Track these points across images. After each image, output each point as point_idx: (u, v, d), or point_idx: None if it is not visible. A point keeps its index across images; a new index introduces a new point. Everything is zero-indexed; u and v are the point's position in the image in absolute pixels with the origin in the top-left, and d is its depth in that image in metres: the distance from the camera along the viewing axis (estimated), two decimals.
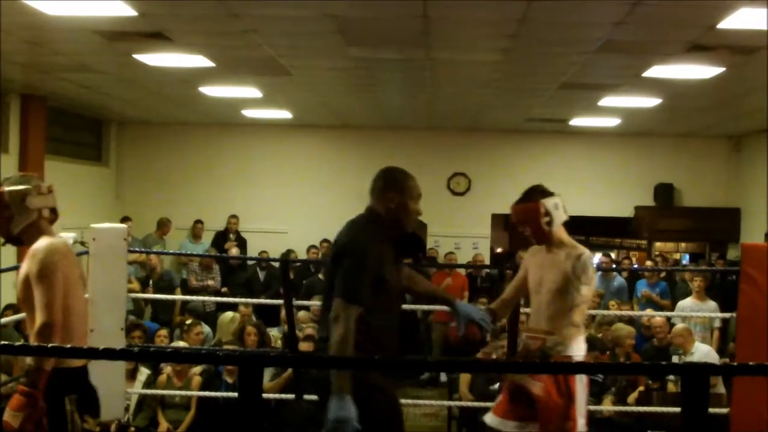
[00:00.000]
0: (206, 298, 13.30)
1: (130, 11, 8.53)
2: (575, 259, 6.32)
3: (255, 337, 10.80)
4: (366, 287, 5.29)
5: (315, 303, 11.44)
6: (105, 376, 7.61)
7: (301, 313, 11.74)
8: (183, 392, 9.84)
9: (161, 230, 17.21)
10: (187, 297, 13.73)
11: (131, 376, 9.74)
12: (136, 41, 10.04)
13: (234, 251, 16.59)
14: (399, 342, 5.55)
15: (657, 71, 10.99)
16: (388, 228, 5.60)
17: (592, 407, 9.29)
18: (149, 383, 9.99)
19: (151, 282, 14.95)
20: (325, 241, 17.40)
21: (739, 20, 8.33)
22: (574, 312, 6.24)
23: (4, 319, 9.73)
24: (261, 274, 16.09)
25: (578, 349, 6.28)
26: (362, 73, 11.99)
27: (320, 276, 14.31)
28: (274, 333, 11.91)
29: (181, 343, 11.09)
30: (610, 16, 8.51)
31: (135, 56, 10.89)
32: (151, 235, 17.13)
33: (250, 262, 16.71)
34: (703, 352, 10.13)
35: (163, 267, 16.22)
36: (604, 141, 18.44)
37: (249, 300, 11.95)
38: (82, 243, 7.84)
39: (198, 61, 11.08)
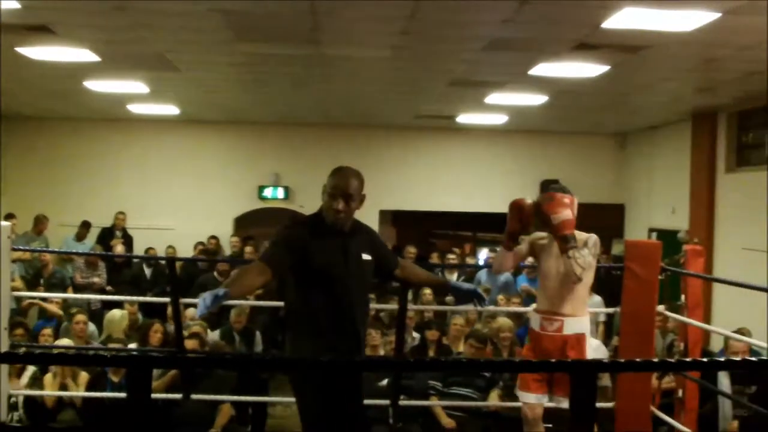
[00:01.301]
0: (94, 296, 13.14)
1: (13, 3, 8.39)
2: (587, 237, 6.91)
3: (161, 336, 10.67)
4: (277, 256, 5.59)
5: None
6: None
7: (190, 311, 11.64)
8: (69, 393, 9.68)
9: (38, 227, 16.91)
10: (74, 295, 13.54)
11: (18, 374, 9.58)
12: (20, 34, 9.87)
13: (119, 248, 16.40)
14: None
15: (543, 69, 11.13)
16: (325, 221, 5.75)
17: (481, 403, 9.44)
18: (36, 379, 9.82)
19: (42, 280, 14.72)
20: (213, 237, 17.31)
21: (623, 20, 8.49)
22: (586, 296, 7.01)
23: None
24: (148, 272, 15.92)
25: (588, 326, 7.09)
26: (252, 68, 11.95)
27: (215, 274, 14.21)
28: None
29: (66, 341, 10.91)
30: (498, 14, 8.59)
31: (18, 49, 10.70)
32: (27, 232, 16.82)
33: (135, 260, 16.53)
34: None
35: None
36: (491, 138, 18.62)
37: (136, 298, 11.84)
38: None
39: (83, 55, 10.93)
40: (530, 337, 7.35)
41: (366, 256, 5.78)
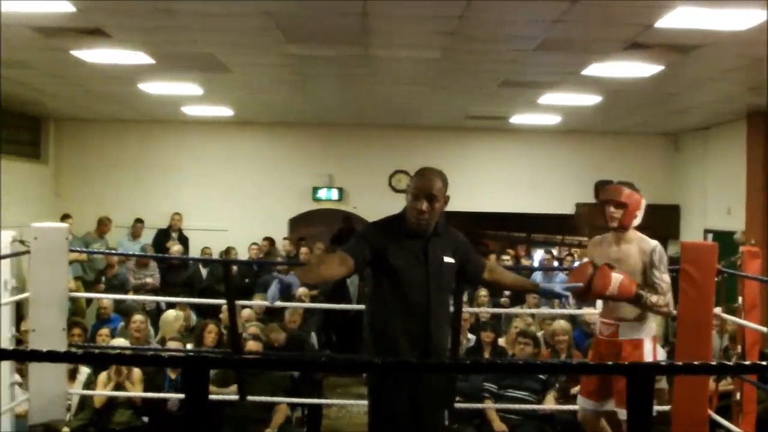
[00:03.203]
0: (151, 298, 13.22)
1: (68, 7, 8.46)
2: (651, 251, 6.81)
3: (216, 336, 10.73)
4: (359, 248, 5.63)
5: (260, 303, 11.44)
6: (46, 377, 7.56)
7: (245, 312, 11.70)
8: (126, 393, 9.74)
9: (100, 229, 17.06)
10: (128, 296, 13.63)
11: (71, 376, 9.65)
12: (74, 38, 9.95)
13: (175, 249, 16.50)
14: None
15: (596, 69, 11.06)
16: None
17: (536, 405, 9.39)
18: (89, 383, 9.90)
19: (104, 279, 14.86)
20: (266, 238, 17.35)
21: (676, 19, 8.42)
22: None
23: None
24: (204, 271, 16.02)
25: (650, 331, 6.95)
26: (303, 70, 11.97)
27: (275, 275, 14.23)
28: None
29: (121, 340, 10.98)
30: (548, 14, 8.56)
31: (73, 53, 10.79)
32: (90, 233, 16.98)
33: (191, 261, 16.64)
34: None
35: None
36: (544, 138, 18.55)
37: (192, 299, 11.90)
38: (22, 242, 7.75)
39: (137, 57, 11.00)
40: (593, 341, 7.33)
41: (448, 259, 5.75)
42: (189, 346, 10.63)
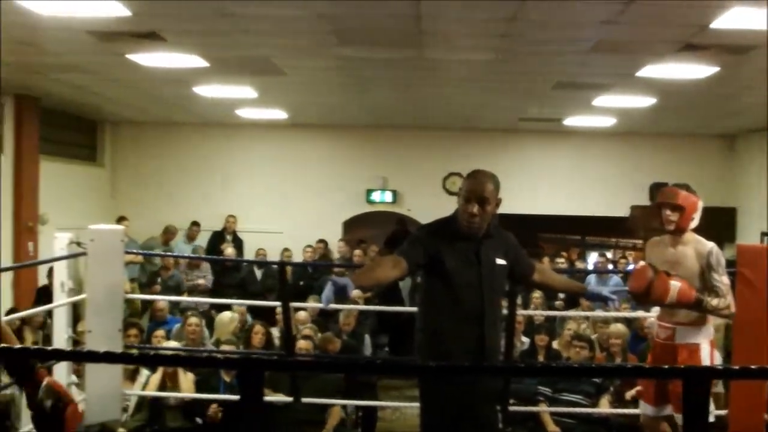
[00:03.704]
0: (205, 299, 13.29)
1: (123, 11, 8.52)
2: (708, 253, 6.78)
3: (263, 337, 10.77)
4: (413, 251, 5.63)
5: (314, 305, 11.47)
6: (102, 377, 7.63)
7: (300, 314, 11.73)
8: (181, 394, 9.80)
9: (166, 236, 17.17)
10: (183, 298, 13.73)
11: (131, 377, 9.72)
12: (130, 41, 10.03)
13: (229, 251, 16.57)
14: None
15: (650, 71, 11.00)
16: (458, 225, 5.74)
17: (591, 409, 9.34)
18: (148, 383, 9.96)
19: (159, 281, 14.98)
20: (321, 241, 17.38)
21: (731, 20, 8.34)
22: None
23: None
24: (258, 273, 16.09)
25: (708, 335, 6.91)
26: (355, 72, 11.99)
27: (330, 277, 14.24)
28: (273, 333, 11.88)
29: (173, 343, 11.05)
30: (602, 16, 8.52)
31: (128, 56, 10.87)
32: (154, 238, 17.11)
33: (244, 263, 16.73)
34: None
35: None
36: (599, 140, 18.45)
37: (246, 301, 11.95)
38: (79, 244, 7.82)
39: (192, 61, 11.07)
40: (651, 345, 7.28)
41: (500, 261, 5.74)
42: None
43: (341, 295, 5.21)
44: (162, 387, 9.89)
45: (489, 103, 14.65)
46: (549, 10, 8.41)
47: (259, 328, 10.86)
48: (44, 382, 4.46)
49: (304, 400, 8.41)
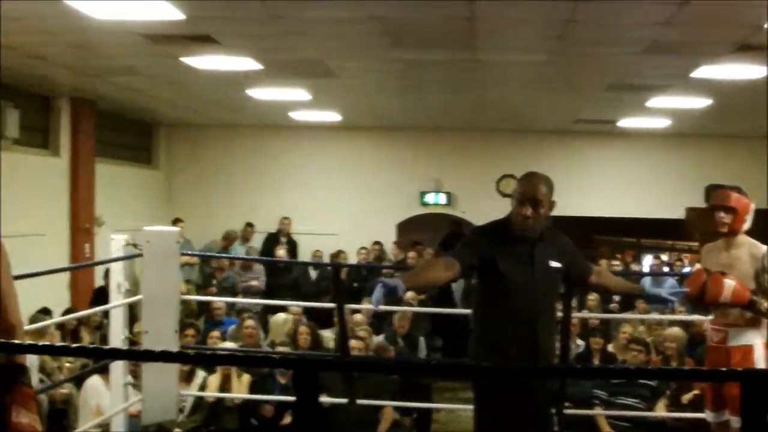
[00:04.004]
0: (260, 301, 13.34)
1: (177, 14, 8.57)
2: (763, 255, 6.74)
3: (308, 337, 10.81)
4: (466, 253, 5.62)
5: (366, 306, 11.49)
6: (159, 378, 7.68)
7: (357, 316, 11.76)
8: (236, 395, 9.85)
9: (226, 241, 17.26)
10: (238, 299, 13.78)
11: (187, 378, 9.79)
12: (184, 44, 10.10)
13: (281, 253, 16.62)
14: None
15: (705, 72, 10.91)
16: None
17: (647, 413, 9.28)
18: (204, 385, 10.03)
19: (215, 282, 15.07)
20: (376, 243, 17.39)
21: None
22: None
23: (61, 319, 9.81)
24: (313, 274, 16.15)
25: (762, 337, 6.80)
26: (409, 74, 11.99)
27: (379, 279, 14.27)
28: (327, 335, 11.91)
29: (229, 344, 11.11)
30: (656, 17, 8.46)
31: (182, 59, 10.94)
32: (215, 242, 17.22)
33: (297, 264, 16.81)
34: None
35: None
36: (653, 142, 18.33)
37: (302, 303, 11.98)
38: (135, 245, 7.87)
39: (246, 63, 11.12)
40: (705, 349, 7.23)
41: (554, 264, 5.71)
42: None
43: (392, 296, 5.22)
44: (219, 388, 9.96)
45: (543, 104, 14.61)
46: (603, 12, 8.37)
47: (303, 329, 10.93)
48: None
49: (359, 401, 8.39)
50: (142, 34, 9.62)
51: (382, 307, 5.55)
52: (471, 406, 5.92)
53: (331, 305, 9.00)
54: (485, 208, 15.80)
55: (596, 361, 10.70)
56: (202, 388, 10.01)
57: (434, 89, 13.38)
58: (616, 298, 13.45)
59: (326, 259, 16.74)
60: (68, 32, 9.63)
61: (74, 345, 4.28)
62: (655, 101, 13.53)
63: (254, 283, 15.59)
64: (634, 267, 17.75)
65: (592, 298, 12.83)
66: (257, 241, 17.91)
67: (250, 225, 17.81)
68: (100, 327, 11.83)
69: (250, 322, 11.34)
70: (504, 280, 5.55)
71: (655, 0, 7.96)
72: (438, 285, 5.83)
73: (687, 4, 7.87)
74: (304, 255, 17.68)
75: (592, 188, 18.39)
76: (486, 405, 5.67)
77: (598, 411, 9.31)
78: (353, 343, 9.81)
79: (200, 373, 10.13)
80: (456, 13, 8.54)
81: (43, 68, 12.01)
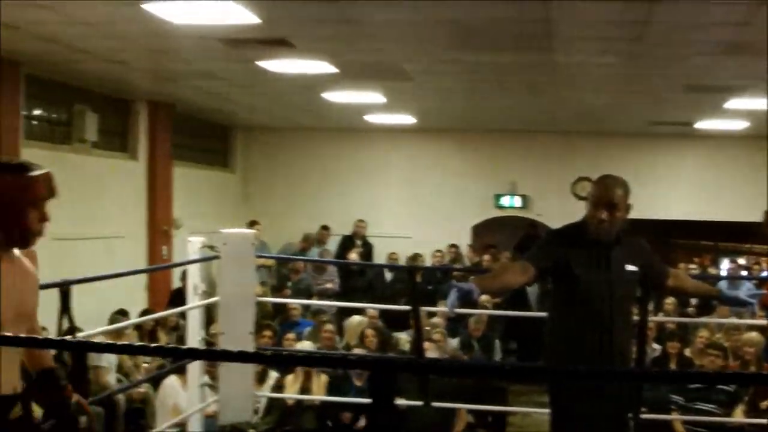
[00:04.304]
0: (335, 303, 13.39)
1: (253, 19, 8.62)
2: None
3: (374, 339, 10.84)
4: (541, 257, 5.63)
5: (441, 309, 11.49)
6: (235, 379, 7.74)
7: (433, 319, 11.76)
8: (311, 396, 9.90)
9: (304, 244, 17.33)
10: (314, 301, 13.84)
11: (260, 379, 9.85)
12: (260, 48, 10.16)
13: (354, 256, 16.66)
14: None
15: None
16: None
17: (724, 419, 9.18)
18: (277, 386, 10.10)
19: (289, 283, 15.16)
20: (452, 245, 17.37)
21: None
22: None
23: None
24: (389, 276, 16.17)
25: None
26: (483, 77, 11.97)
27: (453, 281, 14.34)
28: (402, 337, 11.92)
29: (307, 344, 11.17)
30: (734, 17, 8.36)
31: (258, 63, 11.02)
32: (292, 244, 17.31)
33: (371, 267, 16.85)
34: None
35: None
36: (731, 144, 18.08)
37: (376, 305, 12.02)
38: (211, 247, 7.95)
39: (321, 66, 11.16)
40: None
41: (630, 267, 5.66)
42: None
43: (466, 300, 5.22)
44: (298, 389, 10.03)
45: (619, 106, 14.50)
46: (681, 13, 8.29)
47: (369, 331, 10.96)
48: (74, 399, 4.41)
49: (434, 404, 8.39)
50: (218, 38, 9.70)
51: (458, 310, 5.54)
52: (546, 410, 5.90)
53: (407, 308, 9.01)
54: (560, 210, 15.78)
55: (673, 366, 10.60)
56: (275, 388, 10.07)
57: (509, 91, 13.34)
58: (694, 301, 13.31)
59: (401, 262, 16.78)
60: (146, 37, 9.74)
61: (153, 345, 4.31)
62: (734, 103, 13.36)
63: (329, 285, 15.65)
64: (712, 270, 17.60)
65: (670, 301, 12.71)
66: (332, 244, 17.95)
67: (325, 228, 17.87)
68: (177, 328, 11.96)
69: (328, 326, 11.40)
70: (578, 284, 5.53)
71: (734, 0, 7.87)
72: (512, 289, 5.82)
73: (766, 4, 7.77)
74: (379, 258, 17.71)
75: (670, 191, 18.20)
76: (562, 409, 5.64)
77: (674, 416, 9.23)
78: (428, 345, 9.82)
79: (272, 374, 10.20)
80: (531, 14, 8.50)
81: (121, 73, 12.16)
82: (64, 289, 5.51)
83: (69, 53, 10.66)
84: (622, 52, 10.08)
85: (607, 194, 5.57)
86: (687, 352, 11.02)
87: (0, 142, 10.96)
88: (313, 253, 17.21)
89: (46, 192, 4.20)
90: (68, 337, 5.28)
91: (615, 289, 5.58)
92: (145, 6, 8.20)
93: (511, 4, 8.23)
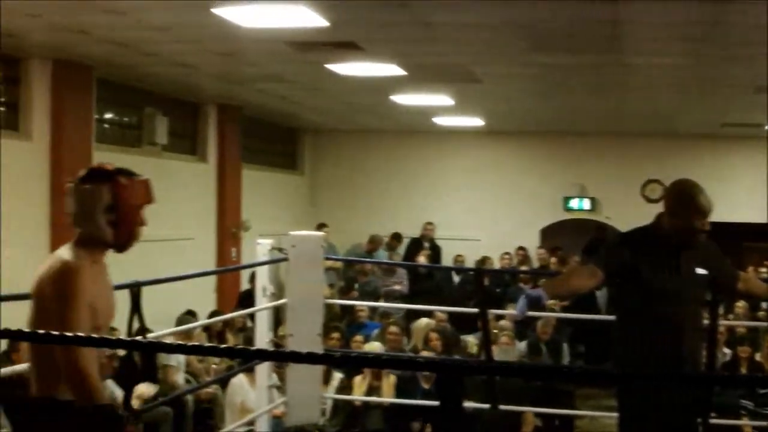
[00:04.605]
0: (402, 305, 13.41)
1: (321, 21, 8.65)
2: None
3: (437, 342, 10.84)
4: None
5: (509, 312, 11.47)
6: (303, 381, 7.78)
7: (502, 322, 11.74)
8: (378, 398, 9.92)
9: (371, 245, 17.33)
10: (381, 304, 13.87)
11: (325, 380, 9.89)
12: (328, 51, 10.19)
13: (422, 259, 16.66)
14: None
15: None
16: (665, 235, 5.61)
17: None
18: (343, 387, 10.12)
19: (357, 286, 15.20)
20: (521, 248, 17.31)
21: None
22: None
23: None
24: (456, 278, 16.15)
25: None
26: (552, 79, 11.93)
27: (521, 285, 14.33)
28: (470, 340, 11.90)
29: (376, 345, 11.19)
30: None
31: (327, 66, 11.05)
32: (359, 245, 17.34)
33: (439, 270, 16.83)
34: None
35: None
36: None
37: (444, 308, 12.00)
38: (280, 249, 7.99)
39: (389, 69, 11.17)
40: None
41: (700, 271, 5.61)
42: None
43: (535, 306, 5.22)
44: (366, 388, 10.06)
45: (688, 108, 14.39)
46: (750, 12, 8.19)
47: (433, 335, 10.96)
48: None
49: (502, 407, 8.37)
50: (287, 41, 9.76)
51: (529, 313, 5.54)
52: (614, 414, 5.87)
53: (474, 310, 9.00)
54: (630, 213, 15.63)
55: (743, 371, 10.50)
56: (340, 390, 10.09)
57: (578, 93, 13.28)
58: (765, 305, 13.16)
59: (468, 264, 16.76)
60: (216, 41, 9.83)
61: (222, 346, 4.35)
62: None
63: (397, 287, 15.65)
64: None
65: (741, 305, 12.58)
66: (401, 247, 17.95)
67: (396, 237, 17.81)
68: (244, 329, 12.03)
69: (393, 329, 11.40)
70: (647, 288, 5.49)
71: None
72: (581, 293, 5.81)
73: None
74: (447, 260, 17.69)
75: (740, 193, 17.98)
76: (630, 413, 5.61)
77: (744, 422, 9.13)
78: (496, 348, 9.81)
79: (337, 375, 10.22)
80: (599, 16, 8.46)
81: (191, 76, 12.28)
82: (135, 290, 5.59)
83: (140, 57, 10.79)
84: (690, 53, 10.00)
85: (709, 205, 5.51)
86: (758, 356, 10.90)
87: (73, 145, 11.12)
88: (382, 256, 17.21)
89: (150, 197, 4.55)
90: (138, 338, 5.36)
91: (685, 292, 5.53)
92: (216, 10, 8.26)
93: (579, 6, 8.19)
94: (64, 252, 4.34)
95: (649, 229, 5.67)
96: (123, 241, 4.44)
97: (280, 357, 6.50)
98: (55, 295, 4.20)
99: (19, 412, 4.47)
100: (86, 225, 4.37)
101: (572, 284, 5.61)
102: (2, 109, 10.80)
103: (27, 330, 4.00)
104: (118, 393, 4.61)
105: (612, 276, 5.58)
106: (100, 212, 4.34)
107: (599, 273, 5.48)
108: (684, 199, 5.59)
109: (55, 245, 10.84)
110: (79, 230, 4.40)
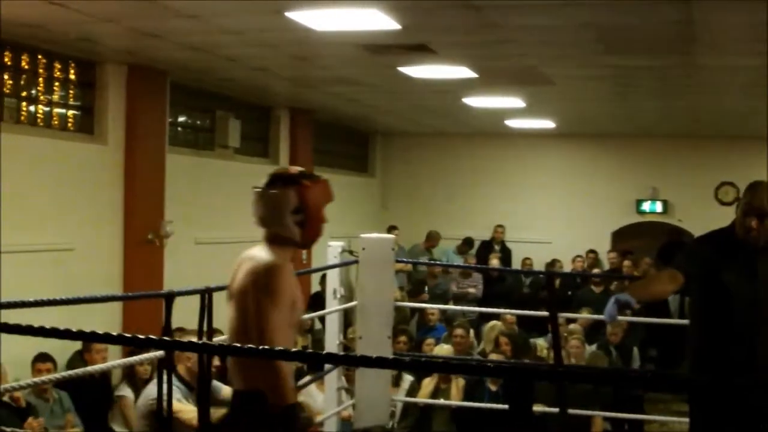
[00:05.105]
0: (469, 308, 13.38)
1: (393, 25, 8.66)
2: None
3: (507, 346, 10.82)
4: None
5: (583, 315, 11.42)
6: (372, 383, 7.80)
7: (572, 326, 11.68)
8: (446, 402, 9.91)
9: (429, 242, 17.39)
10: (450, 306, 13.87)
11: (395, 382, 9.90)
12: (400, 54, 10.20)
13: (494, 262, 16.64)
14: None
15: None
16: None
17: None
18: (413, 390, 10.13)
19: (426, 289, 15.21)
20: (592, 251, 17.22)
21: None
22: None
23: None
24: (526, 281, 16.11)
25: None
26: (624, 81, 11.86)
27: (592, 287, 14.27)
28: (540, 343, 11.86)
29: (446, 347, 11.19)
30: None
31: (399, 69, 11.07)
32: (418, 245, 17.38)
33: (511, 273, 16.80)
34: None
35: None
36: None
37: (514, 311, 11.98)
38: (350, 252, 8.02)
39: (461, 72, 11.16)
40: None
41: None
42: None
43: (624, 311, 5.21)
44: (433, 390, 10.06)
45: (763, 109, 14.20)
46: None
47: (503, 339, 10.95)
48: None
49: (571, 411, 8.33)
50: (359, 44, 9.78)
51: (621, 318, 5.54)
52: (685, 419, 5.82)
53: (544, 313, 8.97)
54: (703, 216, 15.48)
55: None
56: (411, 392, 10.10)
57: (650, 95, 13.19)
58: None
59: (537, 267, 16.71)
60: (289, 44, 9.88)
61: (294, 350, 4.41)
62: None
63: (471, 290, 15.63)
64: None
65: None
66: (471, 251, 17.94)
67: (467, 242, 17.81)
68: (312, 330, 12.08)
69: (459, 331, 11.39)
70: (725, 292, 5.43)
71: None
72: (664, 298, 5.79)
73: None
74: (517, 263, 17.66)
75: None
76: (702, 420, 5.56)
77: None
78: (566, 351, 9.77)
79: (407, 378, 10.23)
80: (672, 17, 8.39)
81: (263, 80, 12.35)
82: (206, 294, 5.66)
83: (213, 61, 10.88)
84: (764, 53, 9.88)
85: (759, 203, 5.46)
86: None
87: (146, 149, 11.24)
88: (455, 259, 17.19)
89: (331, 196, 5.00)
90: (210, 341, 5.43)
91: (761, 298, 5.47)
92: (289, 14, 8.31)
93: (652, 7, 8.13)
94: (261, 253, 4.69)
95: (726, 231, 5.62)
96: (310, 240, 4.84)
97: (350, 361, 6.53)
98: (262, 294, 4.52)
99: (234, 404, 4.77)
100: (275, 227, 4.73)
101: (654, 290, 5.59)
102: (78, 113, 10.93)
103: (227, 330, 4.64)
104: None
105: (691, 280, 5.53)
106: (288, 214, 4.71)
107: (679, 277, 5.45)
108: (742, 198, 5.57)
109: (129, 249, 11.02)
110: (267, 232, 4.76)
